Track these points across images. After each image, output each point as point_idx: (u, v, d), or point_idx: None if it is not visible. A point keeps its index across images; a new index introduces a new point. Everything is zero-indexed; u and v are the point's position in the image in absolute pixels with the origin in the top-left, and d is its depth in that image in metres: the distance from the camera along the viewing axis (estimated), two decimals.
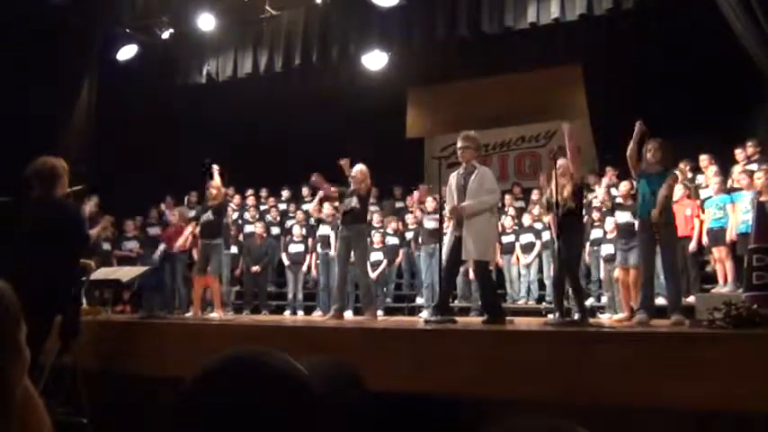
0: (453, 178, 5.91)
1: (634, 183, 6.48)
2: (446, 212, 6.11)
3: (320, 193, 7.98)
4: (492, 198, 5.82)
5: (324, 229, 9.30)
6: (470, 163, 5.86)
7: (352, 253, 6.78)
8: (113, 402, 4.60)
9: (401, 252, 9.71)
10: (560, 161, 5.79)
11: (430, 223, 8.76)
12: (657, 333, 4.28)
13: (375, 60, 9.93)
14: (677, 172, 7.12)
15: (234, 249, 9.52)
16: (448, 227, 6.32)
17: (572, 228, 5.72)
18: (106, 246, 9.23)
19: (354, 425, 1.05)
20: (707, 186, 8.05)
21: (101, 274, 7.16)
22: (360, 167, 6.80)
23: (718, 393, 3.31)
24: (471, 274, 7.98)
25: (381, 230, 9.54)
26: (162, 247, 9.32)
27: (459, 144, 5.94)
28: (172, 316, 7.68)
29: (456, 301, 8.96)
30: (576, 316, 5.87)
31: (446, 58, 10.50)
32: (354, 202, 6.65)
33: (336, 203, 7.40)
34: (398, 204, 11.12)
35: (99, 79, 10.00)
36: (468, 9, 8.87)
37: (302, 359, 0.89)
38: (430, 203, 9.01)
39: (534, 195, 9.90)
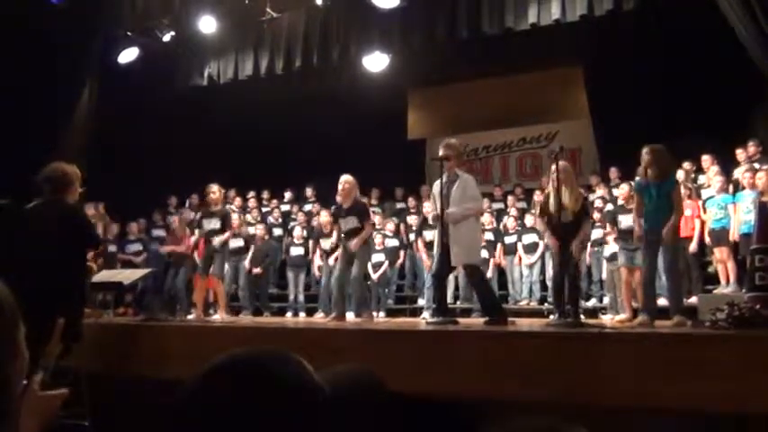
0: (436, 186, 5.91)
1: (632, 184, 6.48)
2: (429, 218, 6.13)
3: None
4: (476, 205, 5.86)
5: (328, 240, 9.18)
6: (453, 171, 5.85)
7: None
8: (115, 405, 4.61)
9: (401, 254, 9.70)
10: (562, 163, 5.78)
11: (430, 233, 8.70)
12: (659, 334, 4.27)
13: (376, 62, 9.92)
14: (680, 172, 7.12)
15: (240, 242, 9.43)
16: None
17: (574, 231, 5.73)
18: (111, 248, 9.25)
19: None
20: (708, 186, 8.04)
21: (103, 276, 7.16)
22: (345, 178, 6.72)
23: (720, 394, 3.30)
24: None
25: (382, 232, 9.54)
26: (166, 247, 9.35)
27: (441, 153, 5.90)
28: (173, 318, 7.67)
29: (458, 302, 8.96)
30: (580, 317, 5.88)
31: (447, 59, 10.50)
32: (353, 222, 6.62)
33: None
34: (400, 205, 11.11)
35: (100, 82, 10.01)
36: (468, 10, 8.86)
37: (325, 369, 0.88)
38: (429, 207, 8.97)
39: (536, 196, 9.88)
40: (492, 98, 11.31)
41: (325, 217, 8.83)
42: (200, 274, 7.39)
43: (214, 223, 7.30)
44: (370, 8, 9.12)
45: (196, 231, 7.81)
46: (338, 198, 6.90)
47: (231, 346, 0.87)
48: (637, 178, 5.77)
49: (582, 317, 6.32)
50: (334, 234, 8.25)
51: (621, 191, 7.32)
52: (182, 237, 8.95)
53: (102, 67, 10.01)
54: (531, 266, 9.20)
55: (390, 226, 9.70)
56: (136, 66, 10.23)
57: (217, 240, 7.21)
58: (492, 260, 9.25)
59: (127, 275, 7.61)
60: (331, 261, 8.74)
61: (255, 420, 0.75)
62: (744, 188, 7.51)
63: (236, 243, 9.17)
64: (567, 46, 9.72)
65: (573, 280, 5.81)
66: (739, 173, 7.82)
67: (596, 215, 8.30)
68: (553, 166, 5.74)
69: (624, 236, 7.03)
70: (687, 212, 7.58)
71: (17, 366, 1.04)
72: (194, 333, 5.39)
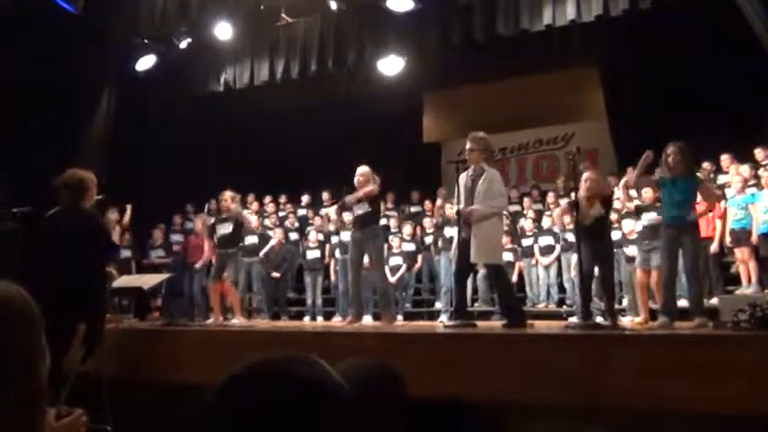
0: (462, 179, 5.83)
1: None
2: (452, 212, 6.07)
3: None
4: (500, 202, 5.74)
5: (343, 235, 9.27)
6: (479, 165, 5.78)
7: (366, 257, 6.75)
8: (136, 409, 4.64)
9: (419, 258, 9.68)
10: (587, 174, 5.76)
11: (449, 230, 8.70)
12: (681, 335, 4.23)
13: (391, 65, 9.93)
14: (699, 174, 7.04)
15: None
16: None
17: (602, 233, 5.69)
18: (126, 253, 9.33)
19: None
20: (729, 186, 7.95)
21: (123, 281, 7.22)
22: (360, 171, 6.76)
23: (744, 396, 3.26)
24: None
25: (399, 235, 9.53)
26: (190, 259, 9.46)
27: (468, 146, 5.87)
28: (192, 323, 7.72)
29: (476, 304, 8.92)
30: (599, 319, 5.81)
31: (462, 61, 10.48)
32: (365, 206, 6.62)
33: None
34: (415, 209, 11.10)
35: (118, 90, 10.12)
36: (483, 12, 8.85)
37: (344, 361, 0.88)
38: (449, 210, 8.97)
39: (550, 197, 9.85)
40: (508, 100, 11.26)
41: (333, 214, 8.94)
42: (213, 279, 7.47)
43: (226, 228, 7.43)
44: (384, 12, 9.14)
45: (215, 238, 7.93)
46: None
47: (250, 351, 0.88)
48: (657, 170, 5.74)
49: (601, 317, 6.24)
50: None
51: (647, 194, 7.21)
52: (202, 239, 9.05)
53: (121, 75, 10.13)
54: (547, 268, 9.15)
55: (407, 230, 9.67)
56: (153, 73, 10.33)
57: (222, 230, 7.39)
58: (518, 264, 9.26)
59: (146, 280, 7.65)
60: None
61: (280, 422, 0.76)
62: (762, 188, 7.42)
63: (251, 240, 9.20)
64: (583, 47, 9.66)
65: (608, 279, 5.74)
66: (744, 172, 7.74)
67: (613, 216, 8.22)
68: (585, 174, 5.72)
69: (646, 232, 6.95)
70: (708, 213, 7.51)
71: (45, 367, 1.09)
72: (213, 338, 5.43)
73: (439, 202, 9.10)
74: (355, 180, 6.74)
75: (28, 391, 1.05)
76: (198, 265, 9.13)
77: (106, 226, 4.82)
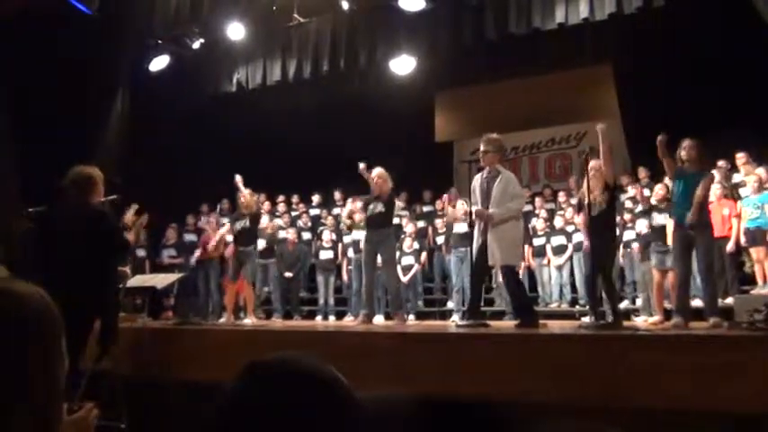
0: (477, 181, 5.84)
1: (669, 185, 6.38)
2: (461, 209, 6.07)
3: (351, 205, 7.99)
4: (517, 204, 5.73)
5: (355, 234, 9.30)
6: (494, 166, 5.77)
7: (379, 257, 6.77)
8: (150, 406, 4.68)
9: (423, 255, 9.68)
10: (593, 162, 5.72)
11: (460, 227, 8.71)
12: (696, 336, 4.20)
13: (403, 65, 9.92)
14: (715, 171, 6.99)
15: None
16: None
17: (604, 229, 5.64)
18: (141, 252, 9.39)
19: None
20: (744, 185, 7.88)
21: (136, 281, 7.28)
22: (378, 171, 6.81)
23: (759, 396, 3.23)
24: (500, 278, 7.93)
25: (411, 235, 9.52)
26: (197, 252, 9.48)
27: (482, 148, 5.87)
28: (206, 322, 7.77)
29: (497, 301, 8.90)
30: (610, 318, 5.78)
31: (474, 60, 10.46)
32: (380, 207, 6.66)
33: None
34: (427, 209, 11.10)
35: (131, 90, 10.18)
36: (495, 10, 8.82)
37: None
38: (460, 207, 8.96)
39: (561, 197, 9.80)
40: (520, 99, 11.22)
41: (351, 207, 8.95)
42: (230, 278, 7.53)
43: (243, 223, 7.56)
44: (396, 11, 9.14)
45: (228, 237, 8.02)
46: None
47: (262, 350, 0.88)
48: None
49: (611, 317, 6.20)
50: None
51: (658, 191, 7.16)
52: (212, 238, 9.12)
53: (134, 75, 10.19)
54: (560, 268, 9.11)
55: (410, 228, 9.64)
56: (167, 73, 10.39)
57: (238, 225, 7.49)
58: (521, 263, 9.18)
59: (160, 280, 7.72)
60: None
61: (292, 418, 0.76)
62: None
63: (263, 243, 9.26)
64: (596, 45, 9.61)
65: (608, 282, 5.71)
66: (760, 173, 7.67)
67: (627, 216, 8.19)
68: (591, 163, 5.69)
69: (657, 234, 6.91)
70: (724, 212, 7.45)
71: (63, 369, 1.10)
72: (225, 337, 5.46)
73: (445, 197, 9.10)
74: (372, 182, 6.79)
75: (46, 391, 1.06)
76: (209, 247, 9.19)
77: (117, 223, 4.83)
